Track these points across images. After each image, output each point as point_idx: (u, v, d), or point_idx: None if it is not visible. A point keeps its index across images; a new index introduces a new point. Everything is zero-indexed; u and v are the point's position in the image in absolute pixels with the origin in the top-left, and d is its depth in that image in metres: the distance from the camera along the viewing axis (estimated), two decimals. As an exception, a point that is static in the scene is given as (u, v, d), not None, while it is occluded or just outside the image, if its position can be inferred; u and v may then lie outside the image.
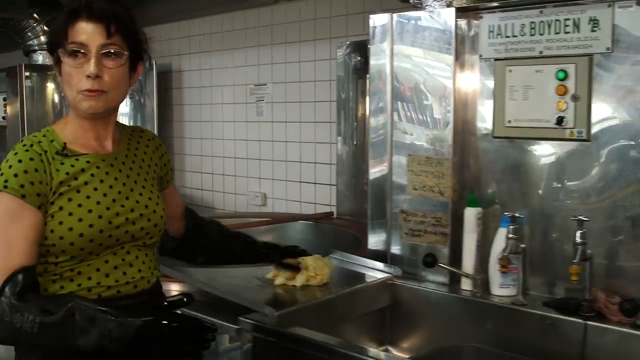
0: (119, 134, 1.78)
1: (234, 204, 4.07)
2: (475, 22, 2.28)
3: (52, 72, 4.26)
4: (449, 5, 2.29)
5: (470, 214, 2.21)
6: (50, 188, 1.57)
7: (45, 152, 1.60)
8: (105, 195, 1.63)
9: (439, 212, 2.29)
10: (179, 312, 1.48)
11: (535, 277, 2.17)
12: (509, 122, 2.21)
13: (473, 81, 2.30)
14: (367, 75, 3.03)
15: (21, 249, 1.52)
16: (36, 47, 4.52)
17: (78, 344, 1.40)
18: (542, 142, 2.16)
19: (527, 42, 2.17)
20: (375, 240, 2.49)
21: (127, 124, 4.21)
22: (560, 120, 2.09)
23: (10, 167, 1.55)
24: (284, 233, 3.27)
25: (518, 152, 2.22)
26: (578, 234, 1.94)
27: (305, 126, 3.66)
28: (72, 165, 1.62)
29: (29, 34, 4.49)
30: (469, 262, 2.22)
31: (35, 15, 4.41)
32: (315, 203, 3.61)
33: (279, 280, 2.18)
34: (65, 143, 1.64)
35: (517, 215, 2.08)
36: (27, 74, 4.32)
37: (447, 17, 2.25)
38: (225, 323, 1.98)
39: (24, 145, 1.60)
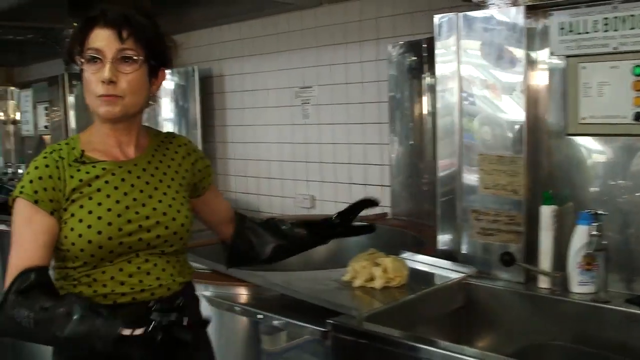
0: (147, 141, 1.80)
1: (281, 207, 4.07)
2: (544, 19, 2.27)
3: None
4: (514, 4, 2.29)
5: (546, 212, 2.20)
6: (63, 195, 1.62)
7: (63, 159, 1.65)
8: (117, 202, 1.65)
9: (513, 210, 2.28)
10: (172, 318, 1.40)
11: (614, 273, 2.16)
12: (583, 119, 2.20)
13: (543, 78, 2.29)
14: (423, 75, 3.06)
15: (31, 251, 1.57)
16: (77, 56, 4.53)
17: (64, 335, 1.43)
18: (619, 138, 2.15)
19: (600, 39, 2.15)
20: (444, 240, 2.49)
21: (171, 129, 4.30)
22: (638, 116, 2.08)
23: (28, 173, 1.63)
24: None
25: (592, 149, 2.21)
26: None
27: (354, 128, 3.66)
28: (87, 172, 1.65)
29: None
30: (545, 260, 2.21)
31: (75, 24, 4.42)
32: (366, 204, 3.60)
33: (357, 282, 2.18)
34: (83, 150, 1.68)
35: (599, 212, 2.08)
36: (72, 82, 4.34)
37: (517, 15, 2.24)
38: (309, 325, 1.99)
39: (45, 152, 1.67)
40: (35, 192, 1.59)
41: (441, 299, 2.27)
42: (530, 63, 2.28)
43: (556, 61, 2.26)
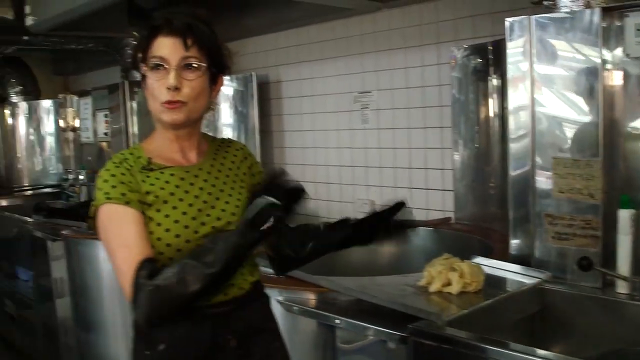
0: (206, 146, 1.86)
1: (340, 212, 4.07)
2: (619, 21, 2.24)
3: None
4: (587, 6, 2.26)
5: (625, 216, 2.17)
6: (139, 200, 1.66)
7: (132, 167, 1.70)
8: (191, 205, 1.70)
9: (589, 214, 2.25)
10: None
11: (695, 278, 2.12)
12: (661, 120, 2.17)
13: (618, 79, 2.26)
14: (489, 77, 3.04)
15: (139, 246, 1.60)
16: (136, 64, 4.60)
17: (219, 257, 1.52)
18: (700, 139, 2.11)
19: (677, 39, 2.12)
20: (517, 245, 2.47)
21: (230, 134, 4.33)
22: None
23: (105, 181, 1.66)
24: (402, 239, 3.26)
25: (671, 151, 2.18)
26: None
27: (414, 132, 3.65)
28: (157, 178, 1.70)
29: (128, 51, 4.59)
30: (624, 264, 2.17)
31: (134, 33, 4.50)
32: (427, 209, 3.59)
33: (433, 287, 2.18)
34: (150, 158, 1.72)
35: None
36: (134, 90, 4.40)
37: (592, 17, 2.21)
38: (388, 330, 1.99)
39: (114, 162, 1.71)
40: (123, 194, 1.64)
41: (517, 304, 2.24)
42: (605, 64, 2.25)
43: (632, 62, 2.23)
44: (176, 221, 1.66)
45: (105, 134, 4.72)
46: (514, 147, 2.44)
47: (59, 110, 5.58)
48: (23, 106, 6.46)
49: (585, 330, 2.23)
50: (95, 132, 4.91)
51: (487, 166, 3.12)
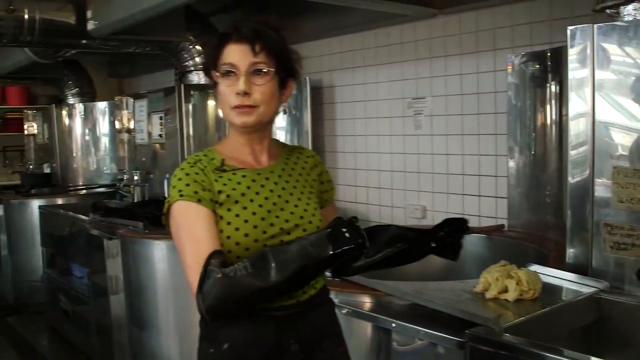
0: (277, 150, 1.91)
1: (391, 217, 4.09)
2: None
3: (211, 90, 4.43)
4: (652, 14, 2.24)
5: (687, 227, 2.14)
6: (211, 198, 1.71)
7: (205, 167, 1.75)
8: (260, 206, 1.74)
9: (649, 225, 2.23)
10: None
11: None
12: None
13: (683, 88, 2.24)
14: (547, 84, 3.02)
15: (209, 241, 1.64)
16: (192, 68, 4.69)
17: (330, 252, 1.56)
18: None
19: None
20: (574, 253, 2.45)
21: (283, 138, 4.38)
22: None
23: (179, 179, 1.72)
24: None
25: None
26: None
27: (468, 139, 3.64)
28: (230, 179, 1.75)
29: (185, 55, 4.67)
30: (685, 276, 2.15)
31: (190, 37, 4.58)
32: (479, 216, 3.59)
33: (489, 294, 2.17)
34: (223, 159, 1.78)
35: None
36: (190, 92, 4.48)
37: (657, 25, 2.20)
38: (445, 335, 2.00)
39: (188, 162, 1.77)
40: (196, 192, 1.69)
41: (574, 313, 2.23)
42: (669, 72, 2.23)
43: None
44: (246, 220, 1.70)
45: (160, 135, 4.80)
46: (573, 154, 2.43)
47: (115, 111, 5.69)
48: (79, 107, 6.65)
49: (642, 341, 2.20)
50: (149, 134, 4.99)
51: (543, 174, 3.10)
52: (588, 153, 2.37)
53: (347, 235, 1.57)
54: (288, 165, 1.89)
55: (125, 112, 5.37)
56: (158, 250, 3.65)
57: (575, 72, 2.39)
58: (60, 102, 6.95)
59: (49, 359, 4.87)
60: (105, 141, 6.61)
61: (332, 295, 2.28)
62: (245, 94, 1.69)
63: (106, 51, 5.10)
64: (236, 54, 1.71)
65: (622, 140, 2.29)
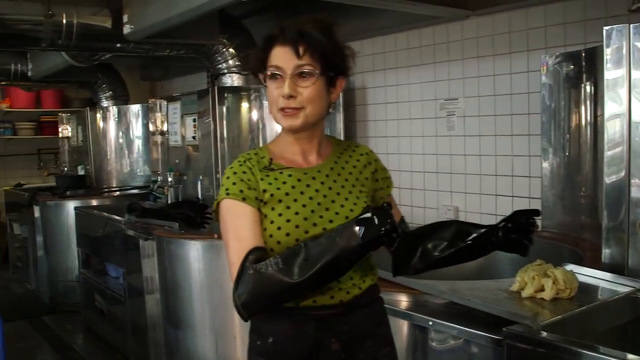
0: (330, 149, 1.90)
1: (423, 218, 4.10)
2: None
3: (245, 93, 4.49)
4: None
5: None
6: (258, 196, 1.74)
7: (254, 166, 1.78)
8: (304, 206, 1.75)
9: (686, 224, 2.23)
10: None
11: None
12: None
13: None
14: (582, 84, 3.02)
15: (251, 238, 1.68)
16: (225, 71, 4.74)
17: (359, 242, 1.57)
18: None
19: None
20: (610, 253, 2.45)
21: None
22: None
23: (228, 178, 1.77)
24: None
25: None
26: None
27: (501, 139, 3.65)
28: (276, 178, 1.78)
29: (218, 58, 4.73)
30: None
31: (224, 40, 4.63)
32: (513, 216, 3.58)
33: (525, 293, 2.18)
34: (271, 158, 1.81)
35: None
36: (225, 95, 4.52)
37: (694, 25, 2.19)
38: (483, 333, 2.02)
39: (239, 161, 1.81)
40: (241, 191, 1.73)
41: (610, 312, 2.23)
42: None
43: None
44: (288, 220, 1.72)
45: (193, 137, 4.85)
46: (608, 155, 2.43)
47: (149, 114, 5.77)
48: (113, 110, 6.75)
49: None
50: (182, 136, 5.04)
51: (577, 174, 3.10)
52: (624, 153, 2.37)
53: (375, 221, 1.57)
54: (338, 164, 1.88)
55: (159, 114, 5.42)
56: (194, 250, 3.70)
57: (611, 72, 2.39)
58: (94, 105, 7.06)
59: (87, 358, 4.95)
60: (138, 143, 6.70)
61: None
62: (291, 97, 1.71)
63: (141, 54, 5.17)
64: (281, 57, 1.72)
65: (659, 140, 2.29)
